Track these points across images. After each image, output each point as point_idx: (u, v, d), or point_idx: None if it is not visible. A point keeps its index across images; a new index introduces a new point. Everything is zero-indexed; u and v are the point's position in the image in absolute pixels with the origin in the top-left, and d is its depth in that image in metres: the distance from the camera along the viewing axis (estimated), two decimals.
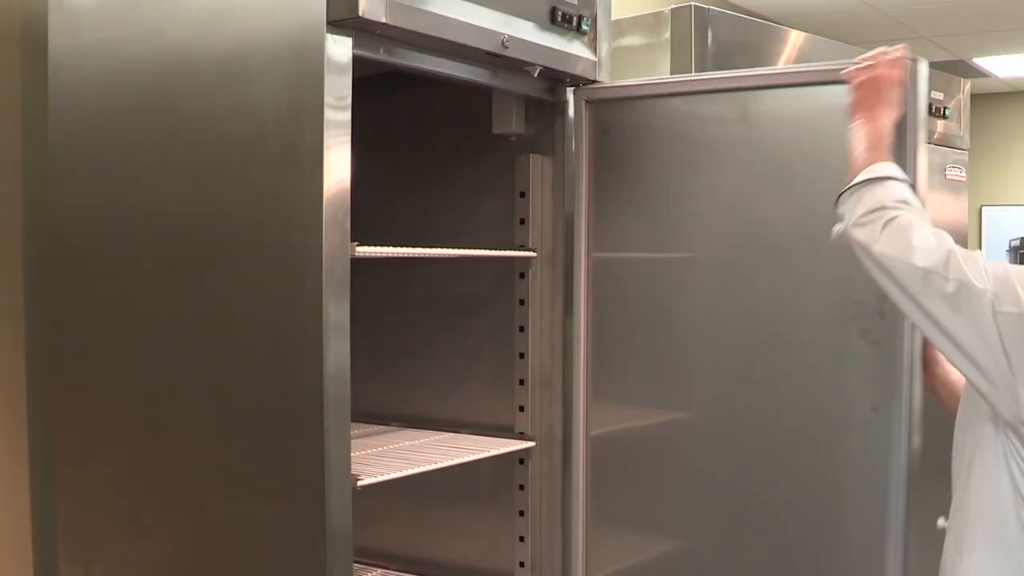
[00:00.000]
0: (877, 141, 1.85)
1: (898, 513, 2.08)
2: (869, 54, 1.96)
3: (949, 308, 1.64)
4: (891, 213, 1.73)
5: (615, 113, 2.35)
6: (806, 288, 2.20)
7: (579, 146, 2.34)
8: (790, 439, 2.24)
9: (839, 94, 2.01)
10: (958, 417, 1.86)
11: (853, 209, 1.79)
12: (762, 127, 2.24)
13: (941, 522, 1.94)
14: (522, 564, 2.41)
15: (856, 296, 2.08)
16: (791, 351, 2.22)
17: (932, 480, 2.07)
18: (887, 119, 1.89)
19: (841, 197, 1.83)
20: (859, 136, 1.88)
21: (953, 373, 2.02)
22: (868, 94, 1.92)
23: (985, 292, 1.61)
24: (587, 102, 2.33)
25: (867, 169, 1.81)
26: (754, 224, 2.26)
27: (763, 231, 2.24)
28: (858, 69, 1.95)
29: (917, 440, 2.08)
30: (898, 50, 1.94)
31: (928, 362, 2.09)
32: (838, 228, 1.85)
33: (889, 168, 1.81)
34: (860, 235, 1.75)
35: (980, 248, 7.86)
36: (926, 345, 2.05)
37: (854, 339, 2.11)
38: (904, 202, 1.76)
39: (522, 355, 2.40)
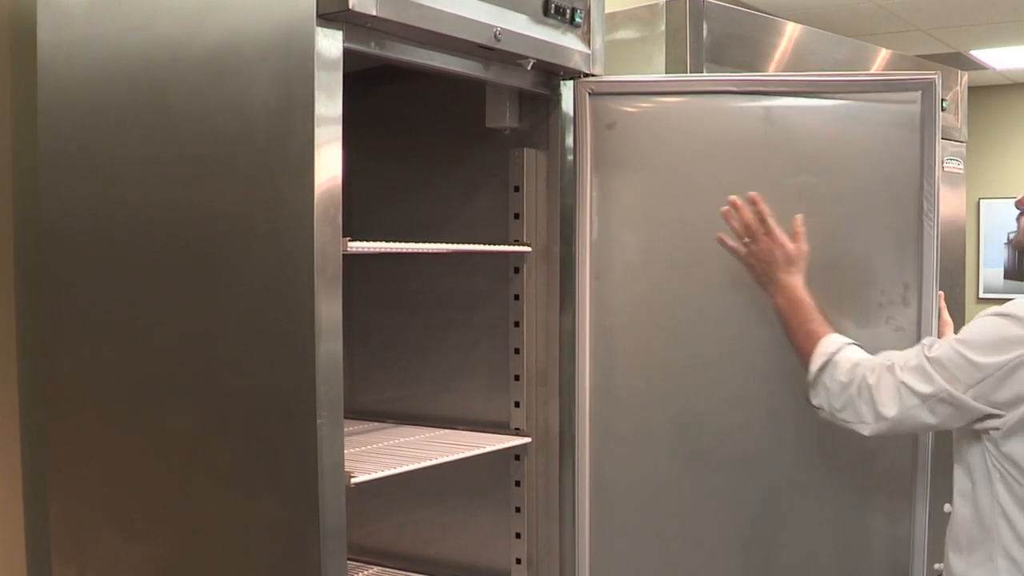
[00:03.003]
0: (803, 320, 2.04)
1: (924, 482, 2.18)
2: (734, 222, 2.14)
3: (929, 415, 1.87)
4: (852, 389, 1.93)
5: (621, 106, 2.33)
6: (830, 280, 2.20)
7: (582, 138, 2.32)
8: (815, 419, 2.23)
9: (862, 100, 2.21)
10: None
11: (828, 399, 1.98)
12: (783, 126, 2.24)
13: (947, 508, 2.04)
14: (519, 560, 2.40)
15: (881, 287, 2.18)
16: None
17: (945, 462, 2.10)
18: (794, 278, 2.08)
19: (810, 393, 2.03)
20: (783, 314, 2.08)
21: None
22: (766, 266, 2.11)
23: (942, 389, 1.83)
24: (590, 94, 2.31)
25: (813, 357, 2.00)
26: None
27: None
28: (735, 242, 2.15)
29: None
30: (753, 199, 2.12)
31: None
32: (824, 417, 2.02)
33: (826, 346, 2.00)
34: (847, 416, 1.95)
35: (978, 242, 7.87)
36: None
37: (881, 326, 2.19)
38: (854, 367, 1.95)
39: (517, 351, 2.38)
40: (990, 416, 1.84)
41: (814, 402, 2.02)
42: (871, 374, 1.92)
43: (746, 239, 2.12)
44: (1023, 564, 1.86)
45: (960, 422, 1.88)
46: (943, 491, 2.08)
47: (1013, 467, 1.85)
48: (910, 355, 1.91)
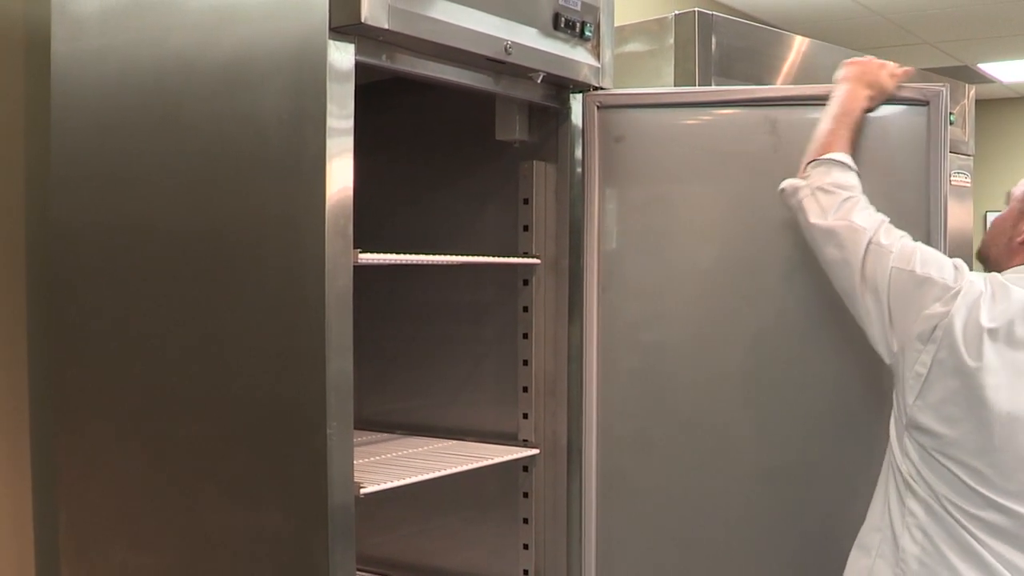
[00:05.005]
0: (843, 125, 2.13)
1: None
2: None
3: (863, 259, 1.95)
4: (851, 193, 2.03)
5: (630, 120, 2.34)
6: (834, 292, 2.20)
7: (590, 151, 2.33)
8: (822, 434, 2.25)
9: (869, 113, 2.18)
10: None
11: (822, 177, 2.06)
12: (791, 138, 2.24)
13: None
14: (526, 572, 2.41)
15: None
16: (824, 353, 2.24)
17: None
18: (865, 99, 2.16)
19: (813, 163, 2.10)
20: (833, 115, 2.15)
21: None
22: (854, 69, 2.20)
23: (890, 252, 1.93)
24: (599, 107, 2.32)
25: (838, 153, 2.09)
26: (781, 232, 2.25)
27: (792, 240, 2.24)
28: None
29: None
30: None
31: None
32: (795, 183, 2.10)
33: (850, 159, 2.09)
34: (822, 199, 2.04)
35: None
36: None
37: None
38: (858, 189, 2.06)
39: (526, 362, 2.39)
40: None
41: (810, 171, 2.09)
42: (866, 202, 2.03)
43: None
44: (912, 483, 1.91)
45: (872, 283, 1.94)
46: None
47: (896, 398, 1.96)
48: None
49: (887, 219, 2.00)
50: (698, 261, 2.32)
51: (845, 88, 2.17)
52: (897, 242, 1.95)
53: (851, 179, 2.06)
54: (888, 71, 2.19)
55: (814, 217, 2.03)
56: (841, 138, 2.11)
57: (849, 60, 2.22)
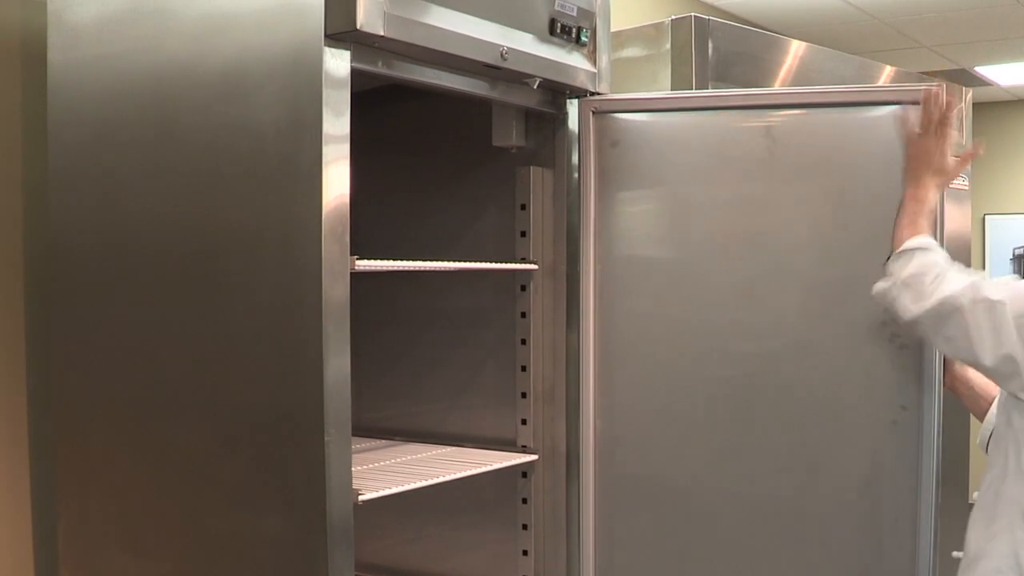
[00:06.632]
0: (918, 214, 2.08)
1: (929, 504, 2.17)
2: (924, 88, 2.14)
3: (977, 319, 1.91)
4: (937, 271, 1.99)
5: (626, 125, 2.34)
6: (835, 297, 2.22)
7: (586, 157, 2.33)
8: (820, 440, 2.25)
9: (864, 115, 2.22)
10: (996, 413, 2.08)
11: (902, 269, 2.02)
12: (787, 142, 2.25)
13: (955, 554, 2.05)
14: None
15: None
16: (820, 357, 2.25)
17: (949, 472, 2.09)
18: (933, 188, 2.10)
19: (891, 257, 2.05)
20: (906, 207, 2.09)
21: (970, 370, 2.21)
22: (918, 162, 2.11)
23: (1002, 304, 1.90)
24: (595, 113, 2.32)
25: (913, 239, 2.04)
26: (777, 236, 2.26)
27: (788, 244, 2.24)
28: (912, 125, 2.13)
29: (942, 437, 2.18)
30: (950, 104, 2.14)
31: (948, 362, 2.22)
32: (882, 285, 2.05)
33: (929, 241, 2.05)
34: (913, 288, 1.99)
35: (984, 257, 7.86)
36: None
37: (884, 343, 2.19)
38: (943, 264, 2.02)
39: (524, 368, 2.39)
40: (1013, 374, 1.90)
41: (890, 266, 2.04)
42: (952, 271, 1.99)
43: (919, 130, 2.13)
44: None
45: (993, 336, 1.90)
46: (950, 536, 2.10)
47: None
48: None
49: (982, 277, 1.97)
50: (695, 266, 2.32)
51: (912, 185, 2.10)
52: (1002, 291, 1.92)
53: (933, 258, 2.02)
54: (946, 153, 2.11)
55: (911, 307, 1.99)
56: (918, 226, 2.07)
57: (909, 140, 2.12)
